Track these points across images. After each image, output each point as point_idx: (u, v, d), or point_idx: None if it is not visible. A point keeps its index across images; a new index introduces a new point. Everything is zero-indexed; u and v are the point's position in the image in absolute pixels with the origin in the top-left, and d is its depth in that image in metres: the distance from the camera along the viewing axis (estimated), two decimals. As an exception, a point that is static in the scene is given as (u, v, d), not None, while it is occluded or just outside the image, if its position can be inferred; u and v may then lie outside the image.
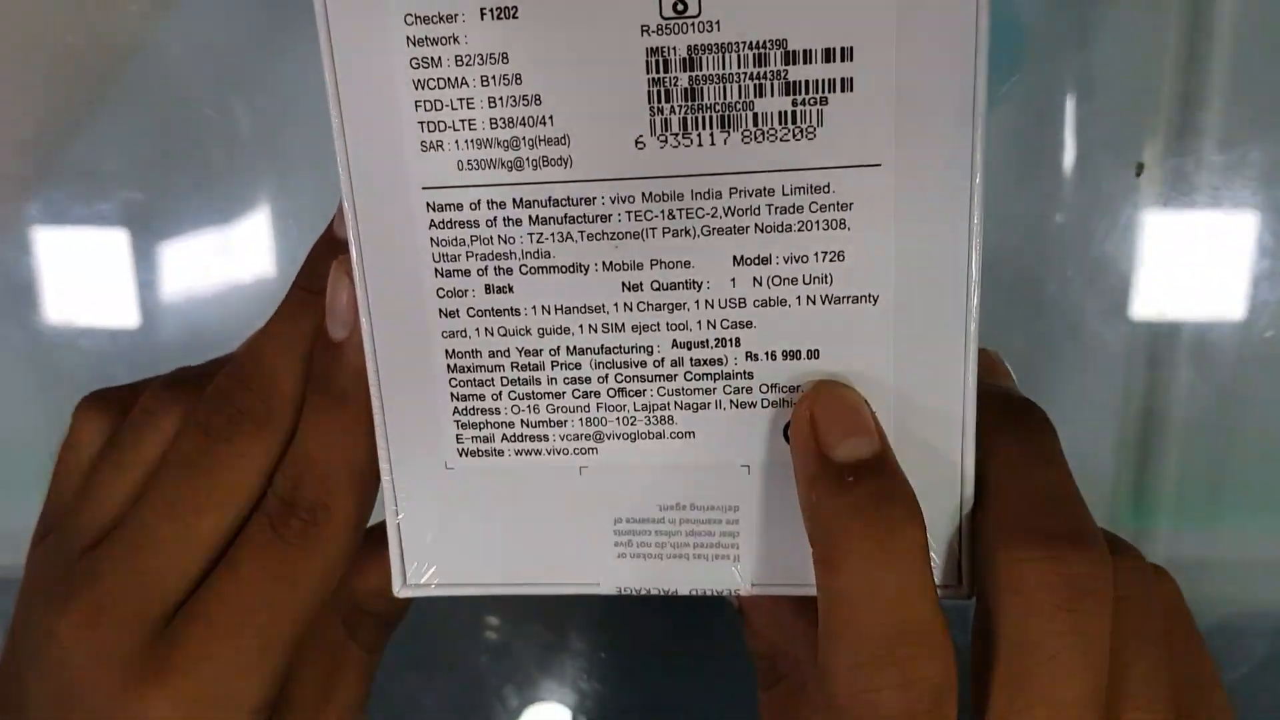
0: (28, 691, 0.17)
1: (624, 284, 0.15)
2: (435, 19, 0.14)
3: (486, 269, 0.15)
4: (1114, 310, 0.31)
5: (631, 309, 0.15)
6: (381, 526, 0.17)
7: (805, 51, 0.14)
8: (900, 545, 0.14)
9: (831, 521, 0.14)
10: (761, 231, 0.15)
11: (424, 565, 0.17)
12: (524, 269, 0.15)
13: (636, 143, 0.14)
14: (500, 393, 0.16)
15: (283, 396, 0.17)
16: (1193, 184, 0.30)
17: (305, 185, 0.33)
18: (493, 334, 0.16)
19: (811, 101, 0.14)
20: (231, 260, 0.33)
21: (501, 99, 0.14)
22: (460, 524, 0.16)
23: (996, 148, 0.31)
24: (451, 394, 0.16)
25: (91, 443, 0.19)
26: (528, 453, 0.16)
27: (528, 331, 0.15)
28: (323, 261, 0.17)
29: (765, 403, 0.15)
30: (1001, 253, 0.31)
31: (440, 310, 0.15)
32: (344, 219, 0.15)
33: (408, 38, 0.14)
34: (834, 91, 0.14)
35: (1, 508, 0.36)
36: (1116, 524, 0.33)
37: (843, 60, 0.14)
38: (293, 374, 0.17)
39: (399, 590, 0.17)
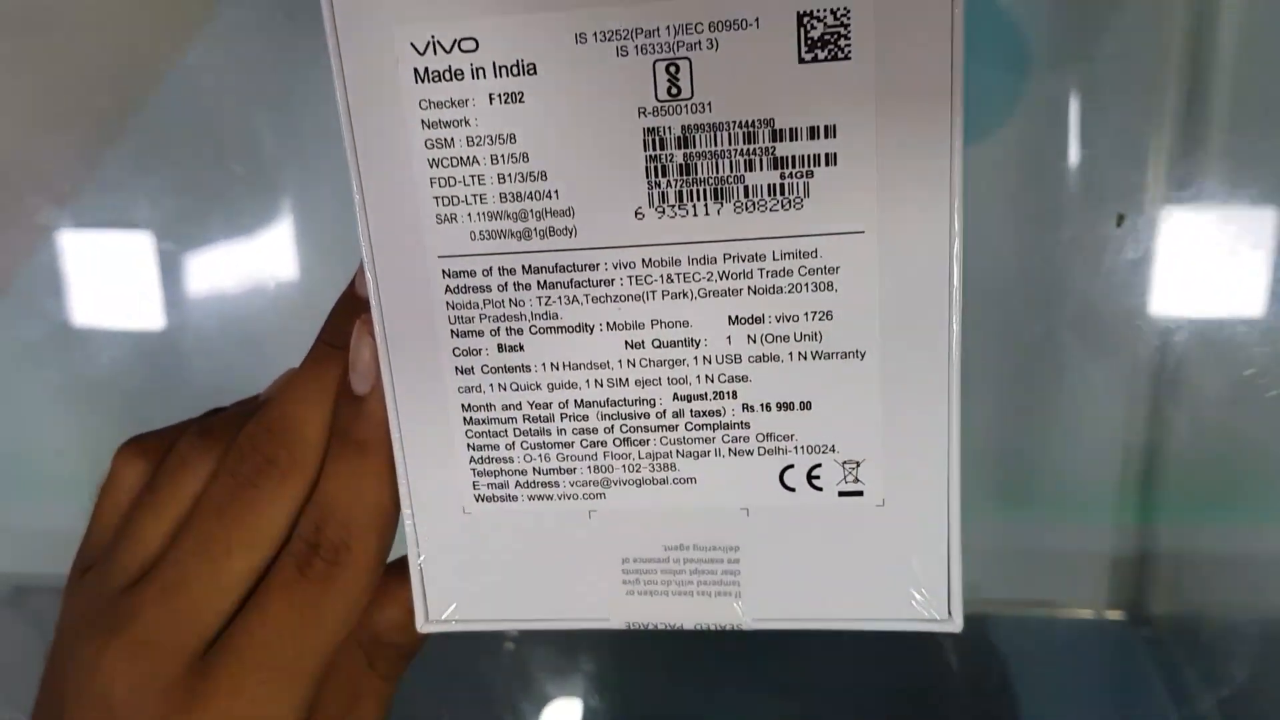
0: (69, 718, 0.19)
1: (627, 342, 0.16)
2: (448, 104, 0.15)
3: (499, 329, 0.17)
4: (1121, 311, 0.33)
5: (635, 365, 0.17)
6: (399, 563, 0.19)
7: (791, 129, 0.15)
8: None
9: None
10: (754, 293, 0.16)
11: (445, 603, 0.18)
12: (533, 329, 0.17)
13: (636, 213, 0.16)
14: (513, 442, 0.17)
15: (307, 445, 0.18)
16: (1199, 186, 0.31)
17: (326, 196, 0.35)
18: (505, 389, 0.17)
19: (798, 175, 0.15)
20: (254, 267, 0.35)
21: (510, 175, 0.16)
22: (478, 564, 0.18)
23: (1009, 146, 0.32)
24: (468, 444, 0.17)
25: (130, 486, 0.20)
26: (540, 498, 0.17)
27: (538, 386, 0.17)
28: (344, 319, 0.18)
29: (762, 450, 0.17)
30: (1010, 256, 0.32)
31: (456, 368, 0.17)
32: (365, 281, 0.17)
33: (423, 120, 0.16)
34: (819, 165, 0.15)
35: (29, 509, 0.38)
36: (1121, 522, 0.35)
37: (826, 137, 0.15)
38: (317, 424, 0.19)
39: (422, 626, 0.18)
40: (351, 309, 0.18)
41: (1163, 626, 0.35)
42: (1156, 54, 0.31)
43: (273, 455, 0.18)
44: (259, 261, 0.35)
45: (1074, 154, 0.31)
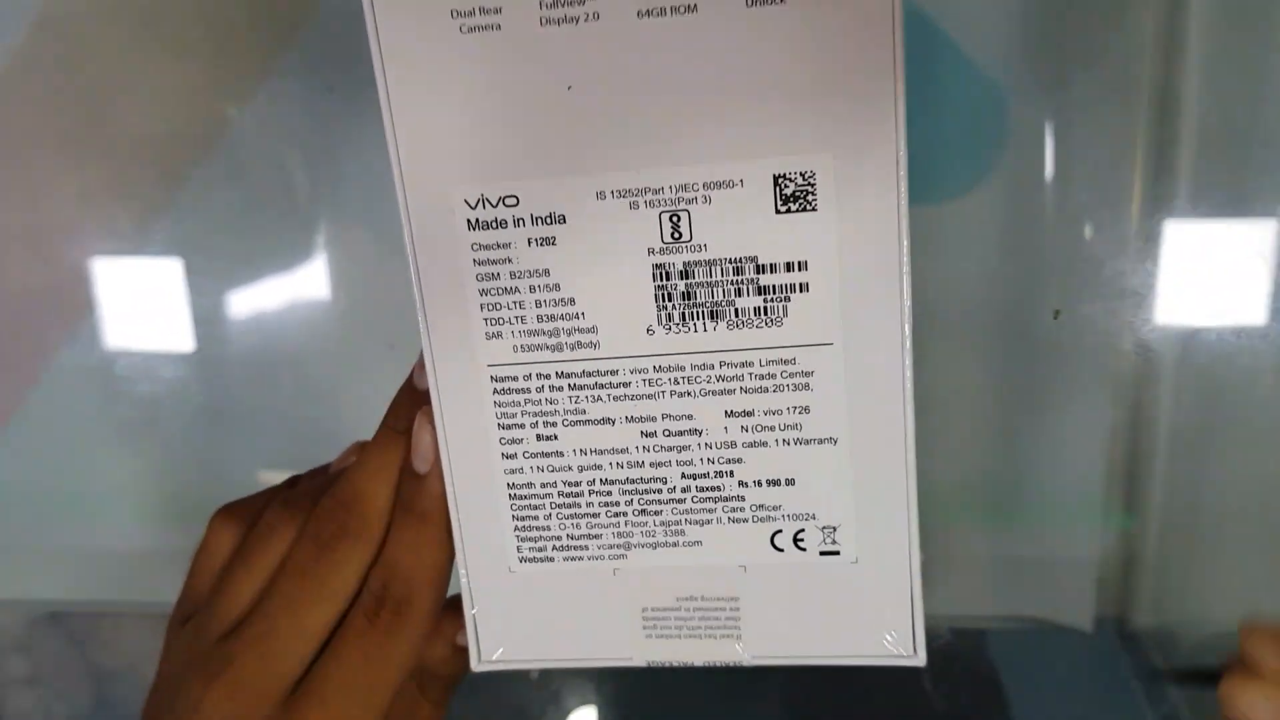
0: None
1: (642, 432, 0.20)
2: (494, 246, 0.19)
3: (537, 422, 0.21)
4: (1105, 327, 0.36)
5: (649, 450, 0.20)
6: (446, 605, 0.23)
7: (771, 264, 0.19)
8: None
9: None
10: (745, 392, 0.20)
11: (494, 647, 0.22)
12: (565, 422, 0.20)
13: (648, 330, 0.20)
14: (550, 514, 0.21)
15: (375, 515, 0.22)
16: (1171, 208, 0.34)
17: (357, 235, 0.39)
18: (543, 470, 0.21)
19: (778, 300, 0.19)
20: (291, 298, 0.40)
21: (545, 301, 0.20)
22: (522, 614, 0.22)
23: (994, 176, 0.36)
24: (513, 515, 0.21)
25: (222, 549, 0.24)
26: (572, 559, 0.21)
27: (570, 468, 0.21)
28: (405, 407, 0.22)
29: (755, 519, 0.21)
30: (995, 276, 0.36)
31: (503, 454, 0.21)
32: (423, 375, 0.21)
33: (474, 259, 0.20)
34: (795, 292, 0.19)
35: (65, 534, 0.42)
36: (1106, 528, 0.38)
37: (800, 270, 0.19)
38: (383, 497, 0.22)
39: (476, 666, 0.22)
40: (411, 399, 0.22)
41: (1147, 637, 0.38)
42: (1128, 89, 0.35)
43: (346, 524, 0.22)
44: (295, 292, 0.39)
45: (1051, 180, 0.35)
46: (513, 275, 0.20)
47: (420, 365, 0.21)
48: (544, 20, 0.18)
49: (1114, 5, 0.34)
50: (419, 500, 0.22)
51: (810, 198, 0.18)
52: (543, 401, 0.20)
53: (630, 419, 0.20)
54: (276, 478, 0.41)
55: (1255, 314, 0.34)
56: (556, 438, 0.21)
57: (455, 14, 0.18)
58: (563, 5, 0.18)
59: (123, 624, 0.50)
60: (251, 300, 0.40)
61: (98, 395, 0.42)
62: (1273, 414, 0.35)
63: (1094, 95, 0.35)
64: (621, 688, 0.39)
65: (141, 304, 0.40)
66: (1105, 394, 0.36)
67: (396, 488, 0.22)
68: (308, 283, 0.39)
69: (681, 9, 0.18)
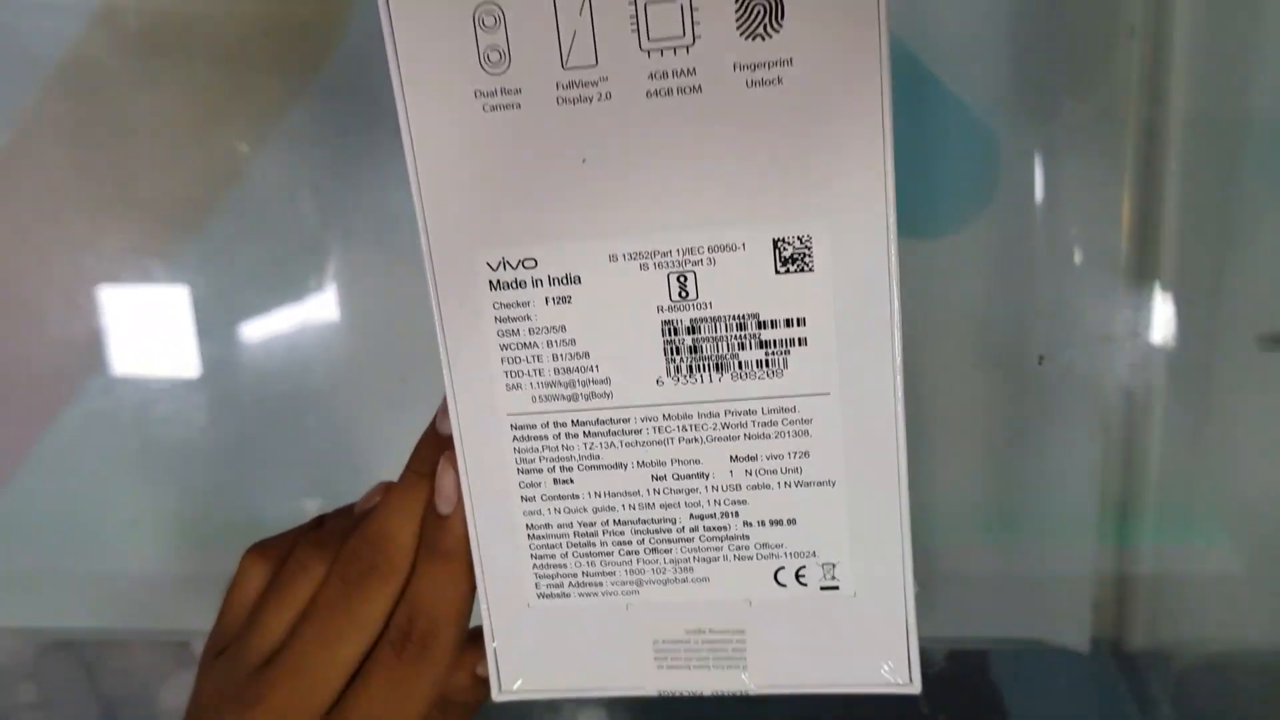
0: None
1: (653, 475, 0.22)
2: (514, 305, 0.21)
3: (554, 467, 0.22)
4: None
5: (659, 493, 0.22)
6: (469, 637, 0.24)
7: (772, 320, 0.20)
8: None
9: None
10: (749, 439, 0.21)
11: (514, 677, 0.23)
12: (581, 467, 0.22)
13: (657, 381, 0.21)
14: (566, 553, 0.22)
15: (401, 554, 0.24)
16: (1157, 233, 0.36)
17: (364, 261, 0.40)
18: (560, 512, 0.22)
19: (778, 353, 0.21)
20: (303, 322, 0.41)
21: (561, 355, 0.21)
22: (540, 646, 0.23)
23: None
24: (531, 554, 0.23)
25: (254, 585, 0.26)
26: (588, 594, 0.23)
27: (585, 510, 0.22)
28: (428, 450, 0.24)
29: (759, 556, 0.22)
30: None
31: (522, 496, 0.22)
32: (446, 421, 0.22)
33: (495, 317, 0.21)
34: (794, 346, 0.20)
35: (76, 562, 0.44)
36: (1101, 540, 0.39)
37: (799, 326, 0.20)
38: (408, 537, 0.24)
39: (496, 696, 0.23)
40: (435, 443, 0.24)
41: (1142, 658, 0.39)
42: (1114, 123, 0.36)
43: (374, 562, 0.24)
44: (309, 327, 0.41)
45: (1043, 208, 0.36)
46: (531, 331, 0.21)
47: (443, 411, 0.23)
48: (560, 100, 0.20)
49: (1098, 44, 0.35)
50: (442, 540, 0.23)
51: (807, 259, 0.20)
52: (559, 448, 0.22)
53: (641, 464, 0.22)
54: (288, 507, 0.42)
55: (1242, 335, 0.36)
56: (572, 481, 0.22)
57: (478, 94, 0.20)
58: (578, 86, 0.19)
59: (130, 651, 0.51)
60: (266, 333, 0.41)
61: (109, 424, 0.44)
62: (1263, 433, 0.37)
63: (1082, 130, 0.37)
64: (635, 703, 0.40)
65: (156, 335, 0.42)
66: (1099, 415, 0.37)
67: (420, 528, 0.24)
68: (321, 317, 0.41)
69: (687, 90, 0.19)
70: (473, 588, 0.23)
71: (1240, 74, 0.37)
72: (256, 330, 0.41)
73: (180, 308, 0.41)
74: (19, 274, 0.43)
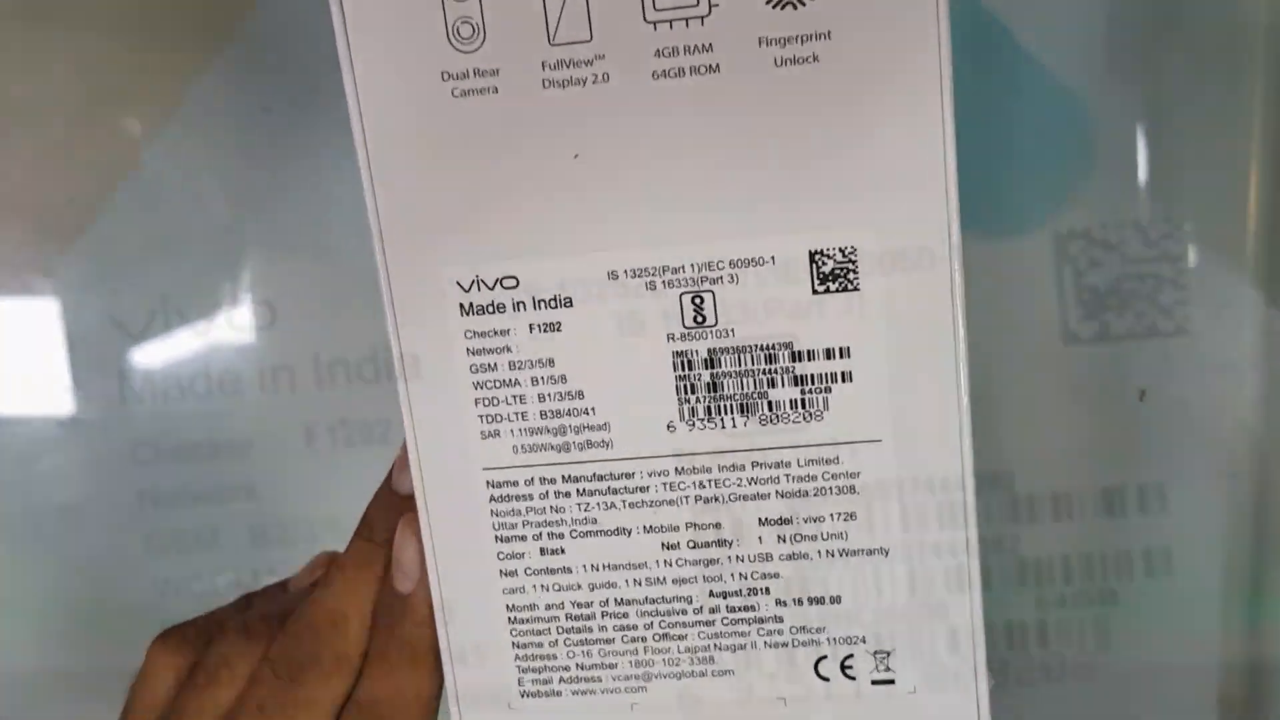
0: None
1: (663, 544, 0.19)
2: (491, 334, 0.18)
3: (541, 534, 0.19)
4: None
5: (671, 565, 0.19)
6: None
7: (809, 351, 0.18)
8: None
9: None
10: (782, 497, 0.18)
11: None
12: (574, 533, 0.19)
13: (668, 426, 0.18)
14: (557, 640, 0.19)
15: (349, 642, 0.20)
16: None
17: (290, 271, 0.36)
18: (548, 589, 0.19)
19: (818, 391, 0.18)
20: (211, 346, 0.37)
21: (549, 395, 0.18)
22: None
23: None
24: (513, 643, 0.19)
25: (165, 681, 0.22)
26: (583, 693, 0.20)
27: (579, 586, 0.19)
28: (380, 515, 0.21)
29: (796, 643, 0.19)
30: None
31: (501, 570, 0.19)
32: (404, 478, 0.19)
33: (468, 349, 0.18)
34: (836, 382, 0.18)
35: None
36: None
37: (842, 358, 0.18)
38: (358, 621, 0.20)
39: (471, 821, 0.20)
40: (391, 504, 0.21)
41: None
42: (1237, 97, 0.31)
43: (318, 654, 0.20)
44: (221, 347, 0.36)
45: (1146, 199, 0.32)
46: (512, 366, 0.18)
47: (402, 463, 0.20)
48: (546, 82, 0.17)
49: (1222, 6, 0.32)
50: (401, 626, 0.20)
51: (852, 276, 0.17)
52: (547, 510, 0.19)
53: (649, 529, 0.19)
54: (204, 584, 0.37)
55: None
56: (564, 551, 0.19)
57: (446, 75, 0.17)
58: (568, 66, 0.17)
59: None
60: (169, 361, 0.37)
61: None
62: None
63: (1195, 110, 0.33)
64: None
65: (35, 367, 0.36)
66: (1218, 465, 0.33)
67: (374, 610, 0.21)
68: (235, 335, 0.35)
69: (702, 69, 0.17)
70: (439, 683, 0.20)
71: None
72: (157, 358, 0.37)
73: (58, 332, 0.37)
74: None
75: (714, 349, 0.18)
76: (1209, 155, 0.32)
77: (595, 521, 0.19)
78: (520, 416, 0.18)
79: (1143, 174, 0.33)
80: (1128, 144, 0.33)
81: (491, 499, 0.19)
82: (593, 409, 0.18)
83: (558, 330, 0.18)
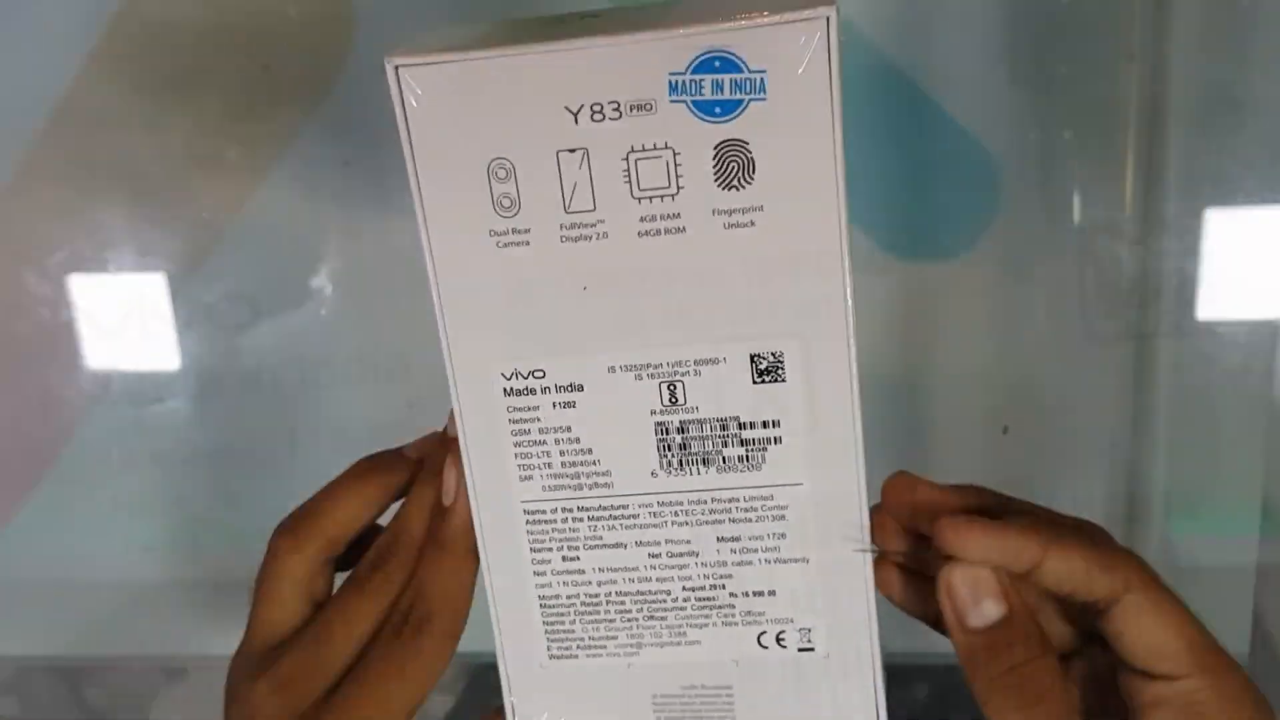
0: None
1: (649, 554, 0.26)
2: (525, 409, 0.26)
3: (562, 547, 0.27)
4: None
5: (655, 568, 0.27)
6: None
7: (751, 423, 0.25)
8: None
9: None
10: (733, 522, 0.26)
11: None
12: (586, 546, 0.27)
13: (652, 474, 0.26)
14: (574, 620, 0.27)
15: (411, 547, 0.27)
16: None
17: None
18: (568, 585, 0.27)
19: (757, 450, 0.25)
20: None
21: (567, 451, 0.26)
22: (552, 701, 0.28)
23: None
24: (543, 621, 0.27)
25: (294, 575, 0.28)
26: (593, 655, 0.27)
27: (590, 583, 0.27)
28: (433, 449, 0.27)
29: (744, 623, 0.27)
30: None
31: (534, 572, 0.27)
32: (454, 425, 0.26)
33: (509, 419, 0.26)
34: (770, 444, 0.25)
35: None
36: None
37: (774, 427, 0.25)
38: (420, 528, 0.27)
39: (513, 746, 0.28)
40: (440, 444, 0.27)
41: None
42: (1113, 141, 0.40)
43: (392, 550, 0.27)
44: (303, 352, 0.46)
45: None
46: (541, 430, 0.26)
47: (451, 418, 0.26)
48: (564, 238, 0.24)
49: (1098, 64, 0.39)
50: (442, 531, 0.26)
51: (780, 371, 0.25)
52: (567, 530, 0.27)
53: (639, 543, 0.26)
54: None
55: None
56: (579, 559, 0.27)
57: (493, 233, 0.24)
58: (579, 227, 0.24)
59: (116, 663, 0.53)
60: (260, 359, 0.47)
61: (103, 459, 0.49)
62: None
63: (1082, 153, 0.41)
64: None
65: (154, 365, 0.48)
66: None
67: (431, 516, 0.27)
68: (317, 341, 0.46)
69: (673, 230, 0.24)
70: (472, 578, 0.27)
71: (1236, 94, 0.41)
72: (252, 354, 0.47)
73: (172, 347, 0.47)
74: (27, 312, 0.48)
75: (684, 421, 0.25)
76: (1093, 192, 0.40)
77: (601, 538, 0.26)
78: (547, 466, 0.26)
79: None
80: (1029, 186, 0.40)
81: (527, 523, 0.26)
82: (598, 461, 0.26)
83: (573, 406, 0.25)
